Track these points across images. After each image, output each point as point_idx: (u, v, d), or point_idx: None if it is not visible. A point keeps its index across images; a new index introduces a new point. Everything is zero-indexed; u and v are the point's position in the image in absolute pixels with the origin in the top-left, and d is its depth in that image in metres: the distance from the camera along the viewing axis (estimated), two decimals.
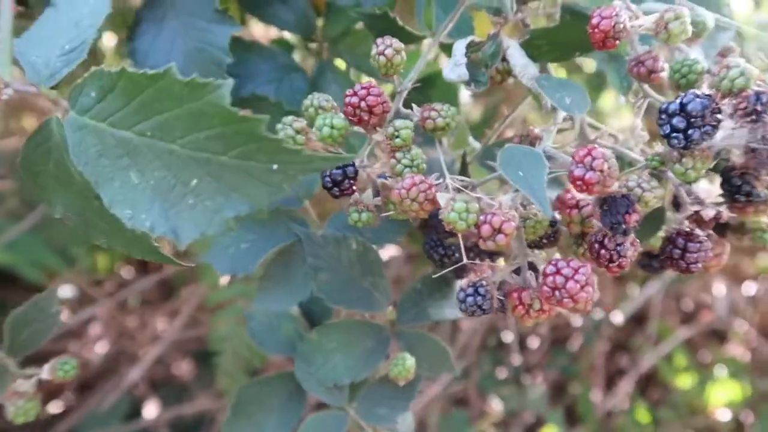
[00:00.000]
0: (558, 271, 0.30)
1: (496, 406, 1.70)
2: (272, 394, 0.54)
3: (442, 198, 0.33)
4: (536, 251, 0.39)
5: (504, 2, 0.40)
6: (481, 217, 0.31)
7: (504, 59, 0.41)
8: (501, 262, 0.39)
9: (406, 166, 0.35)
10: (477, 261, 0.39)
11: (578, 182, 0.29)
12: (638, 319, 1.92)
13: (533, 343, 1.97)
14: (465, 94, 0.71)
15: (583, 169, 0.29)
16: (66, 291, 1.74)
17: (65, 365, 0.38)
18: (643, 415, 1.70)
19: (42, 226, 1.25)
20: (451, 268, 0.39)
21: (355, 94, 0.34)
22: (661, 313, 2.02)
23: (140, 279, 1.74)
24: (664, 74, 0.36)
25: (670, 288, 1.89)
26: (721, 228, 0.38)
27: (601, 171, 0.28)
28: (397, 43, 0.37)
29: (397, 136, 0.34)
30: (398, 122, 0.35)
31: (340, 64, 0.58)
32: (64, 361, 0.38)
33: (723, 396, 1.74)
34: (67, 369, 0.38)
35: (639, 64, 0.36)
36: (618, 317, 1.85)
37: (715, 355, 1.87)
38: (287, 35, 0.63)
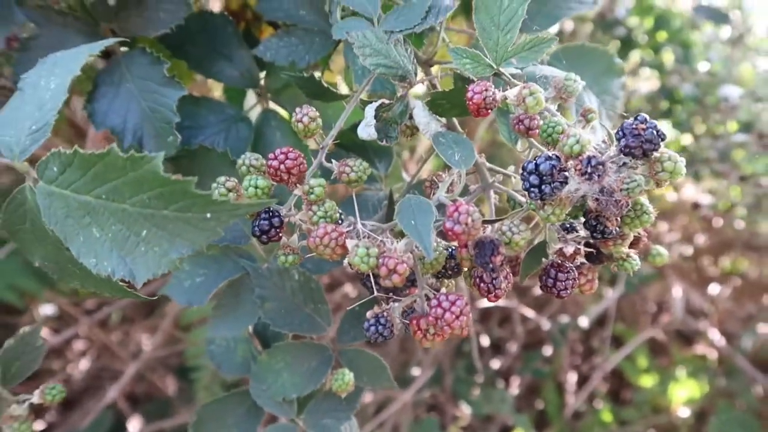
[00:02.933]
0: (439, 304, 0.37)
1: (466, 410, 1.76)
2: (230, 412, 0.60)
3: (349, 243, 0.40)
4: (446, 281, 0.46)
5: (408, 70, 0.47)
6: (380, 260, 0.38)
7: (411, 117, 0.48)
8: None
9: (320, 217, 0.41)
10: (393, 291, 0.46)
11: (449, 232, 0.36)
12: (602, 323, 2.00)
13: (510, 347, 2.04)
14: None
15: (452, 222, 0.36)
16: (47, 310, 1.79)
17: (52, 390, 0.44)
18: (606, 415, 1.78)
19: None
20: (366, 299, 0.46)
21: (275, 158, 0.41)
22: (631, 315, 2.11)
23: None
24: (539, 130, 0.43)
25: (638, 292, 1.98)
26: (593, 257, 0.45)
27: (466, 224, 0.35)
28: (312, 111, 0.44)
29: (312, 193, 0.41)
30: (313, 181, 0.42)
31: (283, 111, 0.65)
32: (52, 387, 0.44)
33: (683, 394, 1.82)
34: (54, 393, 0.44)
35: (519, 122, 0.44)
36: (584, 321, 1.93)
37: (678, 356, 1.96)
38: None
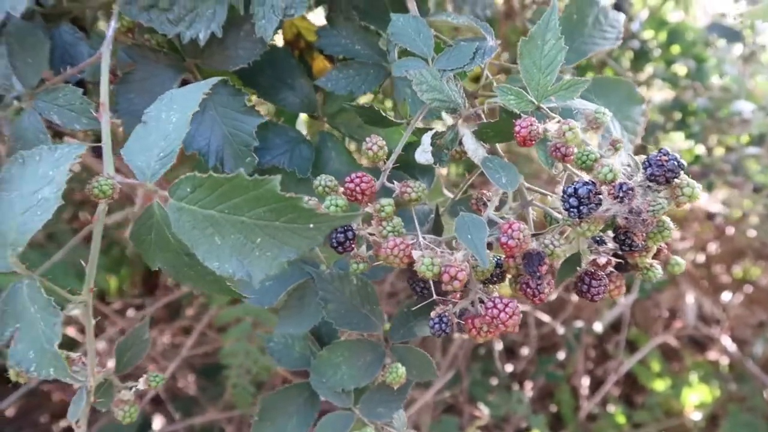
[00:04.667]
0: (495, 306, 0.44)
1: (484, 411, 1.83)
2: (290, 402, 0.68)
3: (415, 254, 0.47)
4: (491, 286, 0.53)
5: (458, 104, 0.55)
6: (443, 268, 0.46)
7: (460, 143, 0.56)
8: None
9: (389, 231, 0.49)
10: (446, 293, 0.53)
11: (504, 246, 0.43)
12: (617, 328, 2.07)
13: (523, 351, 2.11)
14: None
15: (507, 237, 0.43)
16: (75, 310, 1.87)
17: (156, 377, 0.52)
18: (620, 417, 1.84)
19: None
20: (427, 301, 0.53)
21: (351, 181, 0.49)
22: (643, 321, 2.17)
23: (150, 300, 1.88)
24: (573, 157, 0.51)
25: (651, 297, 2.04)
26: (621, 266, 0.53)
27: (518, 239, 0.43)
28: (380, 141, 0.52)
29: (383, 211, 0.49)
30: (383, 200, 0.49)
31: (337, 134, 0.72)
32: (155, 375, 0.52)
33: (695, 398, 1.88)
34: (157, 380, 0.52)
35: (556, 150, 0.51)
36: (598, 326, 2.00)
37: (691, 361, 2.01)
38: None
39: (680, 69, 1.89)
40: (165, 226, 0.45)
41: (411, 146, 0.71)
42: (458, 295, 0.52)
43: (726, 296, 2.18)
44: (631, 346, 2.02)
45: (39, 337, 0.40)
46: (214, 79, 0.49)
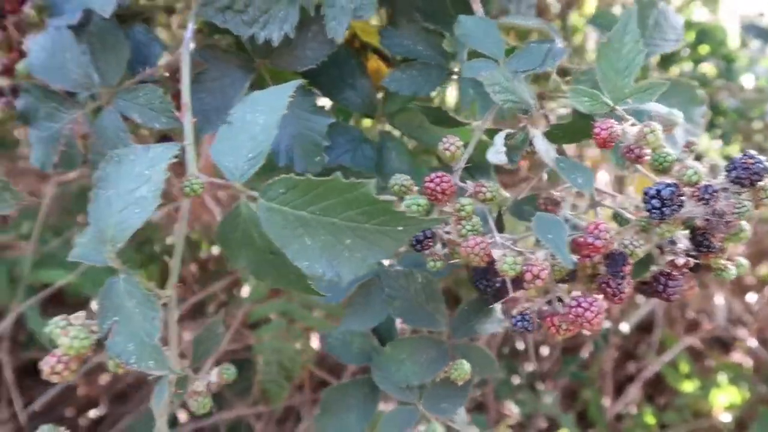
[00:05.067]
0: (579, 304, 0.45)
1: (512, 410, 1.84)
2: (351, 396, 0.69)
3: (496, 253, 0.48)
4: (561, 285, 0.54)
5: (530, 105, 0.55)
6: (525, 267, 0.46)
7: (531, 144, 0.56)
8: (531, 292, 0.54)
9: (469, 230, 0.50)
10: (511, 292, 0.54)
11: (589, 246, 0.44)
12: (644, 328, 2.06)
13: (545, 351, 2.11)
14: None
15: (593, 237, 0.44)
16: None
17: (228, 370, 0.53)
18: (650, 417, 1.83)
19: None
20: (498, 301, 0.54)
21: (431, 180, 0.50)
22: (667, 322, 2.16)
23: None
24: (648, 158, 0.51)
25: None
26: (694, 267, 0.53)
27: (605, 239, 0.43)
28: (457, 141, 0.53)
29: (463, 210, 0.50)
30: (463, 200, 0.50)
31: (396, 133, 0.73)
32: (227, 367, 0.53)
33: (724, 400, 1.87)
34: (229, 373, 0.53)
35: (630, 151, 0.51)
36: (625, 326, 1.99)
37: (718, 362, 2.00)
38: None
39: (708, 69, 1.87)
40: (252, 226, 0.46)
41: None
42: (525, 294, 0.53)
43: (752, 297, 2.17)
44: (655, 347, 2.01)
45: (138, 331, 0.41)
46: (296, 82, 0.49)
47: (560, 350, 2.09)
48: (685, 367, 1.93)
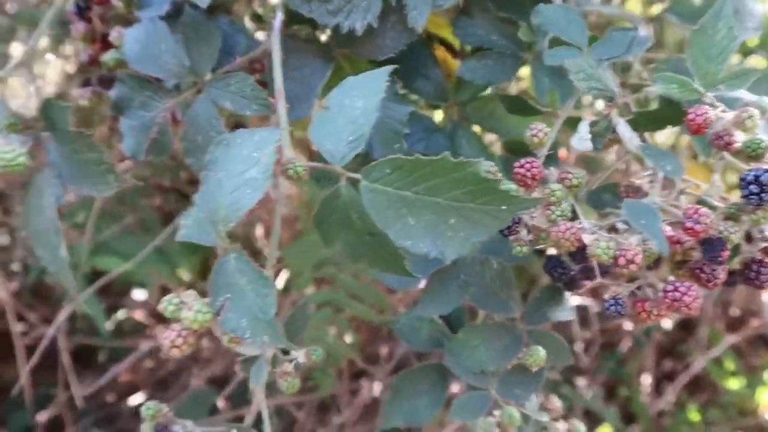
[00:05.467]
0: (675, 289, 0.45)
1: (555, 403, 1.83)
2: (421, 381, 0.70)
3: (588, 238, 0.48)
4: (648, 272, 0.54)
5: (614, 92, 0.56)
6: (618, 252, 0.47)
7: (613, 131, 0.57)
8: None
9: (558, 216, 0.50)
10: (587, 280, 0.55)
11: (689, 231, 0.44)
12: (683, 325, 2.04)
13: (582, 346, 2.10)
14: None
15: (692, 222, 0.44)
16: (140, 294, 1.95)
17: (315, 351, 0.55)
18: (694, 414, 1.82)
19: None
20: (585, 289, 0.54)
21: (522, 166, 0.50)
22: (710, 319, 2.13)
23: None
24: (737, 145, 0.51)
25: (717, 296, 2.00)
26: None
27: (705, 224, 0.44)
28: (545, 128, 0.53)
29: (554, 195, 0.50)
30: (553, 185, 0.51)
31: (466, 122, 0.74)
32: (315, 349, 0.54)
33: None
34: (317, 354, 0.55)
35: (719, 138, 0.51)
36: (667, 323, 1.97)
37: (764, 360, 1.97)
38: None
39: (758, 62, 1.84)
40: (351, 208, 0.47)
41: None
42: (595, 282, 0.53)
43: None
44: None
45: (251, 307, 0.43)
46: (389, 68, 0.51)
47: (599, 346, 2.08)
48: (730, 364, 1.91)
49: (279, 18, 0.57)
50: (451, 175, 0.42)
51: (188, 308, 0.41)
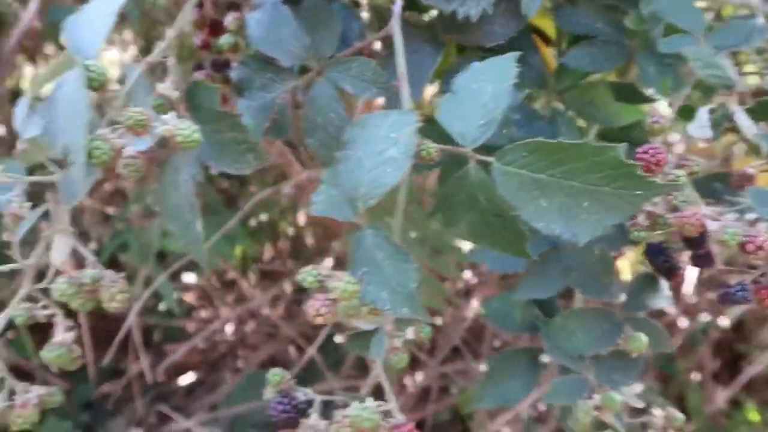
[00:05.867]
0: None
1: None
2: (515, 364, 0.71)
3: (713, 224, 0.49)
4: None
5: (733, 81, 0.56)
6: (746, 238, 0.47)
7: (730, 120, 0.57)
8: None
9: (682, 201, 0.51)
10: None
11: None
12: (739, 325, 2.00)
13: None
14: None
15: None
16: (190, 278, 2.00)
17: (424, 329, 0.56)
18: (753, 414, 1.79)
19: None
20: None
21: (646, 152, 0.51)
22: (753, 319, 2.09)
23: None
24: None
25: None
26: None
27: None
28: (664, 118, 0.54)
29: (677, 181, 0.51)
30: (677, 171, 0.51)
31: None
32: (423, 327, 0.56)
33: None
34: (425, 331, 0.56)
35: None
36: (725, 321, 1.94)
37: None
38: None
39: None
40: (479, 189, 0.49)
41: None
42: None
43: None
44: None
45: (389, 281, 0.44)
46: (515, 54, 0.52)
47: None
48: None
49: (399, 3, 0.58)
50: (592, 158, 0.43)
51: (338, 279, 0.43)
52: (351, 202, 0.47)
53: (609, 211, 0.44)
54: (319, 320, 0.43)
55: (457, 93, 0.51)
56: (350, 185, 0.47)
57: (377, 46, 0.67)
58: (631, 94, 0.62)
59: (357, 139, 0.48)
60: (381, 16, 0.71)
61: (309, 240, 2.07)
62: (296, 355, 2.05)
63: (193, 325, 2.10)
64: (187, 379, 2.03)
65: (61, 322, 0.49)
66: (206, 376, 2.15)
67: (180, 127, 0.42)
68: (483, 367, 1.67)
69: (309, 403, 0.53)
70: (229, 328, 2.13)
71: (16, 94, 1.60)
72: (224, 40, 0.68)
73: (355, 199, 0.46)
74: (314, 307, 0.44)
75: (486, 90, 0.49)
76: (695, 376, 2.01)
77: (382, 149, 0.46)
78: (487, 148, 0.48)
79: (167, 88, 0.52)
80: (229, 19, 0.67)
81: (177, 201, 0.54)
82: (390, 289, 0.44)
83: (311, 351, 1.55)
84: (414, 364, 1.87)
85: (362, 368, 1.88)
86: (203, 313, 2.16)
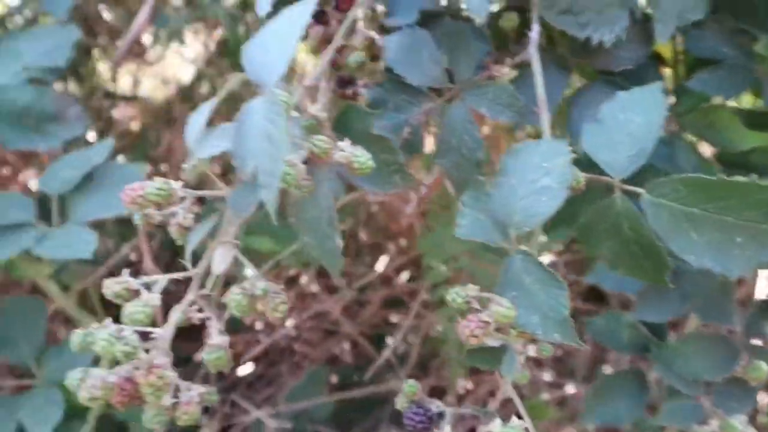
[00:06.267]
0: None
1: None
2: (622, 385, 0.72)
3: None
4: None
5: None
6: None
7: None
8: None
9: None
10: None
11: None
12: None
13: None
14: None
15: None
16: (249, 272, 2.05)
17: (546, 347, 0.57)
18: None
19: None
20: None
21: None
22: None
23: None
24: None
25: None
26: None
27: None
28: None
29: None
30: None
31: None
32: (544, 345, 0.57)
33: None
34: (547, 350, 0.57)
35: None
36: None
37: None
38: None
39: None
40: (624, 219, 0.50)
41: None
42: None
43: None
44: None
45: (540, 305, 0.46)
46: (660, 83, 0.53)
47: None
48: None
49: (536, 29, 0.60)
50: (753, 196, 0.44)
51: (497, 303, 0.45)
52: (503, 228, 0.49)
53: (764, 247, 0.45)
54: (473, 341, 0.46)
55: (602, 122, 0.52)
56: (503, 212, 0.49)
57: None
58: (762, 122, 0.62)
59: (510, 166, 0.50)
60: (501, 38, 0.73)
61: (363, 237, 2.10)
62: (352, 354, 2.09)
63: (252, 319, 2.16)
64: (246, 370, 2.09)
65: (215, 326, 0.53)
66: (265, 370, 2.21)
67: (356, 154, 0.45)
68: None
69: (440, 415, 0.55)
70: (289, 323, 2.18)
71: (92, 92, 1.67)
72: (353, 58, 0.70)
73: (507, 226, 0.48)
74: (469, 328, 0.46)
75: (634, 120, 0.51)
76: None
77: (535, 178, 0.48)
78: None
79: (318, 109, 0.54)
80: (358, 39, 0.70)
81: (316, 214, 0.57)
82: (541, 313, 0.46)
83: (386, 351, 1.57)
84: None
85: (423, 369, 1.91)
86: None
